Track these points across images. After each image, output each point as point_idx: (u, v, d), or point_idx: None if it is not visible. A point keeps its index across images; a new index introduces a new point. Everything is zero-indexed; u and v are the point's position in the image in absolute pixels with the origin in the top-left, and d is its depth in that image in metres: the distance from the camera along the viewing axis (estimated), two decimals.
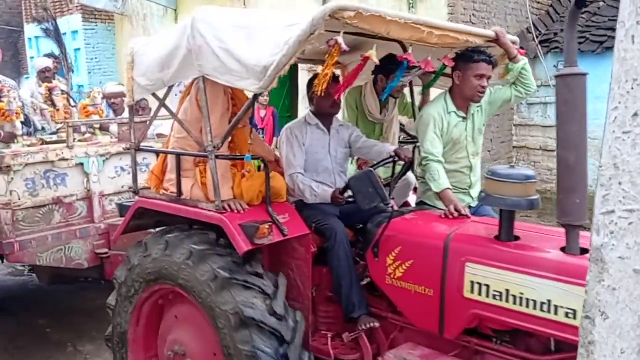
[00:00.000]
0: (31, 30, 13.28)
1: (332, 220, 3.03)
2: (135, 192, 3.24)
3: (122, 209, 3.34)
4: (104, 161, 4.31)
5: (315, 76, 3.13)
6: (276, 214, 2.84)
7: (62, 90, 5.47)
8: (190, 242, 2.81)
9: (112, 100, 5.57)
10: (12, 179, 3.85)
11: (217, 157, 2.74)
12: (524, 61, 3.11)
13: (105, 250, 4.27)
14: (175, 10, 11.09)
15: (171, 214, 3.02)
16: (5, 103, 4.74)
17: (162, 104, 3.00)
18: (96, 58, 12.35)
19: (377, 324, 2.83)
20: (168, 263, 2.85)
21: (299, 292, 2.96)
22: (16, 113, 4.74)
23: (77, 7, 12.19)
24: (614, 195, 1.20)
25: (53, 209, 4.08)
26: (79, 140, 5.09)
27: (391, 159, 3.11)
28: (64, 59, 5.84)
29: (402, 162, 3.19)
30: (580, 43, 7.50)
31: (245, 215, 2.79)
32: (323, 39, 2.36)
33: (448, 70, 3.07)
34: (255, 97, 2.57)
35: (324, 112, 3.15)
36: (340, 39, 2.37)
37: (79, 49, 12.18)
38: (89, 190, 4.23)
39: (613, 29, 7.46)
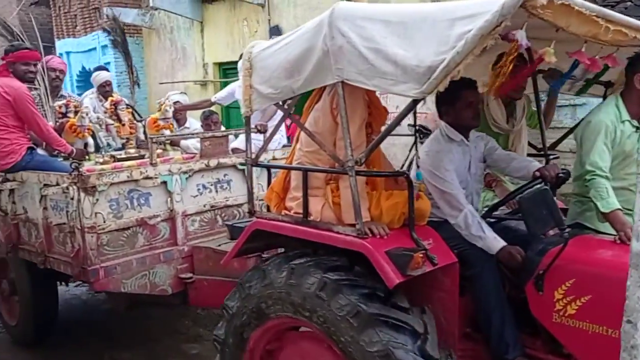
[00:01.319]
0: (62, 45, 13.26)
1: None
2: (251, 213, 2.86)
3: (234, 231, 3.00)
4: (186, 178, 3.95)
5: (454, 83, 2.76)
6: (421, 239, 2.45)
7: (127, 104, 5.15)
8: (321, 270, 2.43)
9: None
10: (97, 200, 3.52)
11: (358, 173, 2.36)
12: None
13: (189, 274, 3.90)
14: (201, 22, 11.10)
15: (290, 237, 2.65)
16: (76, 118, 4.46)
17: (288, 114, 2.64)
18: (125, 71, 12.19)
19: None
20: (294, 293, 2.48)
21: (442, 328, 2.55)
22: (87, 129, 4.45)
23: (106, 22, 12.15)
24: None
25: (137, 231, 3.74)
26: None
27: (537, 182, 2.68)
28: (129, 71, 5.52)
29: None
30: None
31: (389, 241, 2.40)
32: None
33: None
34: (415, 102, 2.18)
35: (465, 125, 2.75)
36: (523, 35, 1.98)
37: (108, 63, 12.11)
38: (171, 210, 3.88)
39: None
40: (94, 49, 12.21)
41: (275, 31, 9.81)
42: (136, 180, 3.71)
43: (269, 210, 2.91)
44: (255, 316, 2.67)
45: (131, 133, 5.06)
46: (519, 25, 1.99)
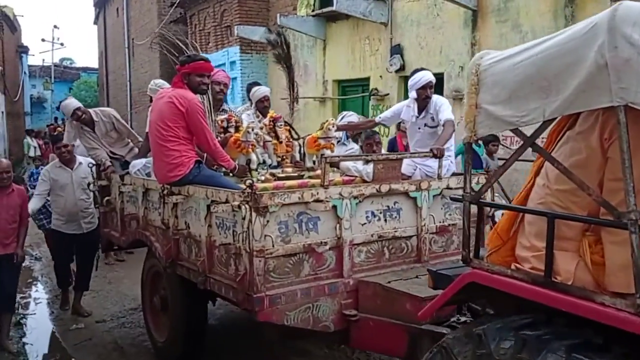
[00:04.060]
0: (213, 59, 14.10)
1: None
2: (465, 261, 2.42)
3: (439, 279, 2.59)
4: (356, 204, 3.65)
5: None
6: None
7: (285, 122, 5.02)
8: (564, 349, 1.92)
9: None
10: (268, 221, 3.32)
11: None
12: None
13: (354, 311, 3.57)
14: (324, 41, 11.27)
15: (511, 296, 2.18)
16: (241, 134, 4.37)
17: (532, 143, 2.16)
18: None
19: None
20: None
21: None
22: (251, 145, 4.34)
23: (236, 39, 12.74)
24: None
25: (303, 259, 3.49)
26: (309, 177, 4.60)
27: None
28: (290, 87, 5.44)
29: None
30: None
31: None
32: None
33: None
34: None
35: None
36: None
37: (235, 78, 12.74)
38: (339, 238, 3.59)
39: None
40: (223, 64, 12.82)
41: (397, 50, 9.72)
42: (306, 203, 3.47)
43: (477, 254, 2.45)
44: None
45: (287, 151, 4.93)
46: None
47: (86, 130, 5.44)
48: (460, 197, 2.45)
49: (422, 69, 4.56)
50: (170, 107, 3.88)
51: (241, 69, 13.18)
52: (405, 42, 9.75)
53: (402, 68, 9.71)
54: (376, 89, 10.40)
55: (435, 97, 4.45)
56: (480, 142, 6.81)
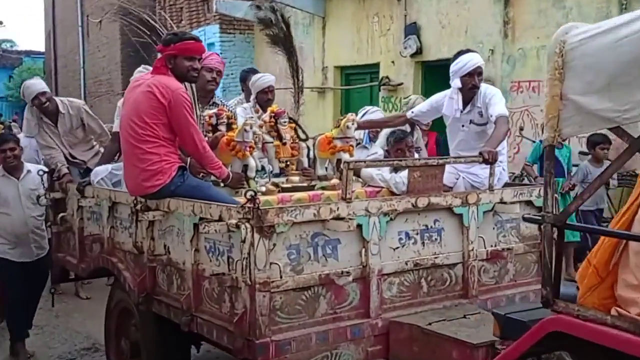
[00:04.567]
0: None
1: None
2: (546, 303, 2.18)
3: (509, 325, 2.38)
4: (387, 222, 3.38)
5: None
6: None
7: (290, 118, 4.74)
8: None
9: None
10: (274, 245, 3.06)
11: None
12: None
13: None
14: (323, 18, 11.30)
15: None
16: (236, 133, 4.09)
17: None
18: (232, 74, 12.32)
19: None
20: None
21: None
22: (249, 147, 4.06)
23: (214, 16, 12.47)
24: None
25: (319, 293, 3.23)
26: (322, 188, 4.34)
27: None
28: (294, 75, 5.19)
29: None
30: None
31: None
32: None
33: None
34: None
35: None
36: None
37: None
38: (364, 267, 3.33)
39: None
40: None
41: (412, 30, 9.57)
42: (323, 221, 3.20)
43: (557, 294, 2.18)
44: None
45: (293, 155, 4.66)
46: None
47: (46, 122, 5.26)
48: (538, 217, 2.22)
49: (469, 50, 4.33)
50: (149, 98, 3.61)
51: (221, 52, 12.93)
52: (423, 20, 9.62)
53: (419, 51, 9.55)
54: (387, 77, 10.25)
55: (484, 87, 4.22)
56: (563, 143, 6.22)
